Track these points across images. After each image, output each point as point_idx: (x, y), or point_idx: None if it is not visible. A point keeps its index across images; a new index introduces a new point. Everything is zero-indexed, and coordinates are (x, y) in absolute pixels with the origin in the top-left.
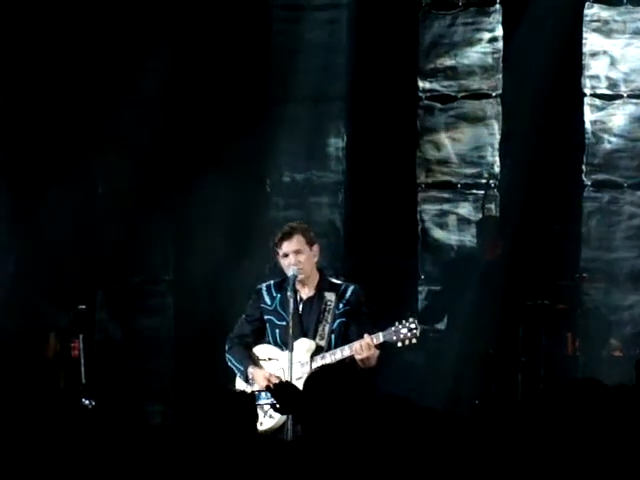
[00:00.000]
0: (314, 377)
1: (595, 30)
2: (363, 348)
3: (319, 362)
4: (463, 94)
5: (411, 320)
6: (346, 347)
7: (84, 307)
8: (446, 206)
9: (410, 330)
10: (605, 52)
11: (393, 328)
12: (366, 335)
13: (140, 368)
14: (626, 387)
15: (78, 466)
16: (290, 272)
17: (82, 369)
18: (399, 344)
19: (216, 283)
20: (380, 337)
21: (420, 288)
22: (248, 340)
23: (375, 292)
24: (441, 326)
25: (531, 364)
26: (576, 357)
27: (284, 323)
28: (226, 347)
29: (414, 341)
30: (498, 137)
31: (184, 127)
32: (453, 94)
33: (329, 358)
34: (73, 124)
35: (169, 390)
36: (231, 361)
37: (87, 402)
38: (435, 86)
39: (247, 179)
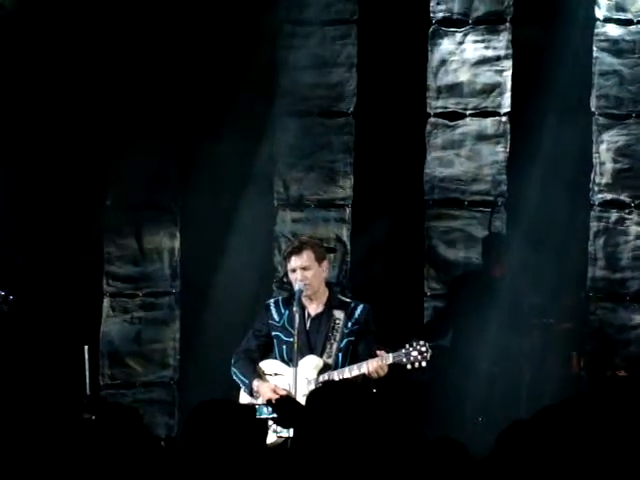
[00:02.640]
0: (317, 392)
1: (605, 49)
2: (377, 370)
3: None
4: (471, 112)
5: (422, 343)
6: (354, 366)
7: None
8: (453, 223)
9: (421, 353)
10: (615, 71)
11: (404, 350)
12: (378, 358)
13: (145, 380)
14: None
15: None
16: (297, 287)
17: (87, 381)
18: (409, 366)
19: (222, 296)
20: (390, 358)
21: (426, 304)
22: (254, 355)
23: (381, 308)
24: (446, 343)
25: (535, 383)
26: (581, 376)
27: (291, 340)
28: (232, 361)
29: (424, 364)
30: (506, 155)
31: (190, 142)
32: (461, 111)
33: (336, 376)
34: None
35: (174, 402)
36: (236, 374)
37: (90, 415)
38: (444, 103)
39: (254, 193)
